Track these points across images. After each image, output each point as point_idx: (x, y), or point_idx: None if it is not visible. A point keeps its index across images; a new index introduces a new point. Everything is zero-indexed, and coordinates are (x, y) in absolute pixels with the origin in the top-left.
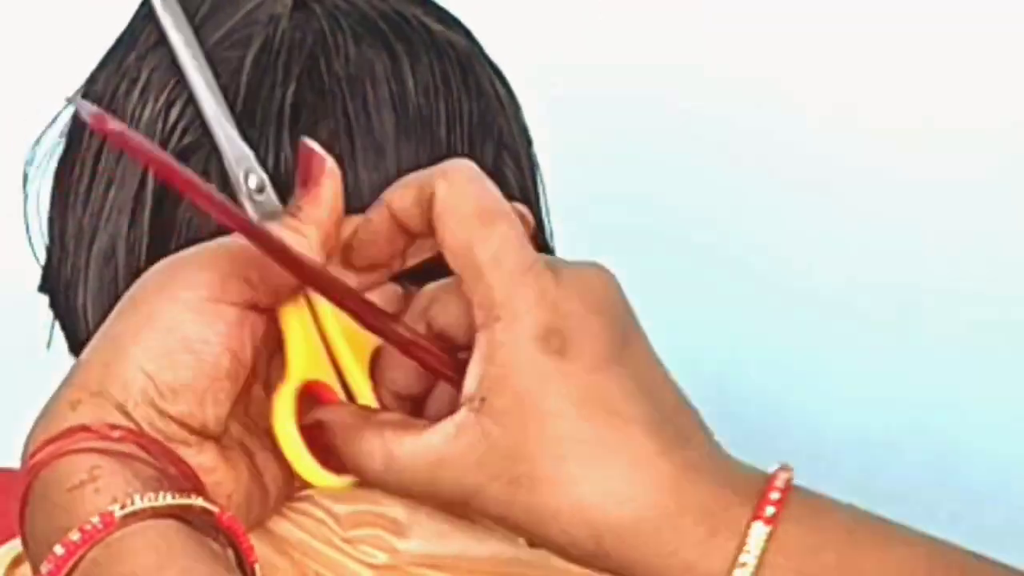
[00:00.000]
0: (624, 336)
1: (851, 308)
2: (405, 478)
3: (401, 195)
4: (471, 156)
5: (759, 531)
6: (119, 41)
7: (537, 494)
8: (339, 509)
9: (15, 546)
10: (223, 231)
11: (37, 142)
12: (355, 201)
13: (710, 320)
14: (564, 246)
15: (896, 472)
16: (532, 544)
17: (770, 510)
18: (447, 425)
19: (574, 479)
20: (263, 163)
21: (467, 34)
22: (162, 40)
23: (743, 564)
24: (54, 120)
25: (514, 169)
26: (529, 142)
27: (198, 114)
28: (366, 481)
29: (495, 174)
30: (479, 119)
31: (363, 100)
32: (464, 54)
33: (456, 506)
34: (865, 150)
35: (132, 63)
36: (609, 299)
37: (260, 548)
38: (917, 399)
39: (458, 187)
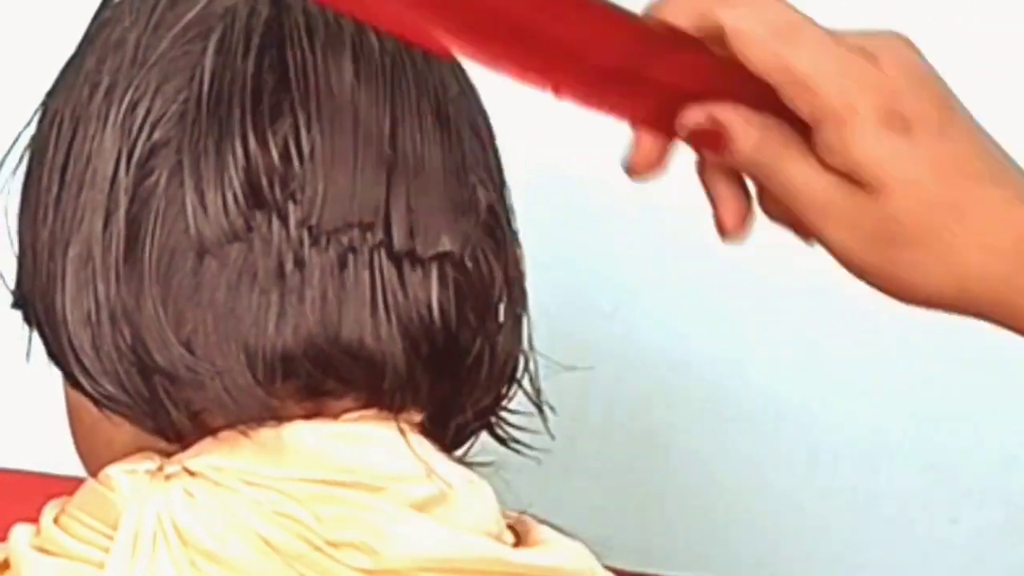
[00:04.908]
0: (948, 98)
1: (852, 306)
2: (779, 184)
3: (675, 18)
4: (440, 109)
5: None
6: (77, 50)
7: (904, 250)
8: (324, 511)
9: (1, 550)
10: None
11: (1, 164)
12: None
13: (710, 319)
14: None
15: (896, 472)
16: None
17: None
18: (830, 188)
19: (938, 237)
20: (231, 157)
21: None
22: (122, 41)
23: None
24: (16, 141)
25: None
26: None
27: (164, 110)
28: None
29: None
30: (453, 92)
31: (323, 57)
32: None
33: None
34: None
35: (93, 67)
36: (924, 65)
37: (246, 551)
38: (917, 398)
39: (746, 12)
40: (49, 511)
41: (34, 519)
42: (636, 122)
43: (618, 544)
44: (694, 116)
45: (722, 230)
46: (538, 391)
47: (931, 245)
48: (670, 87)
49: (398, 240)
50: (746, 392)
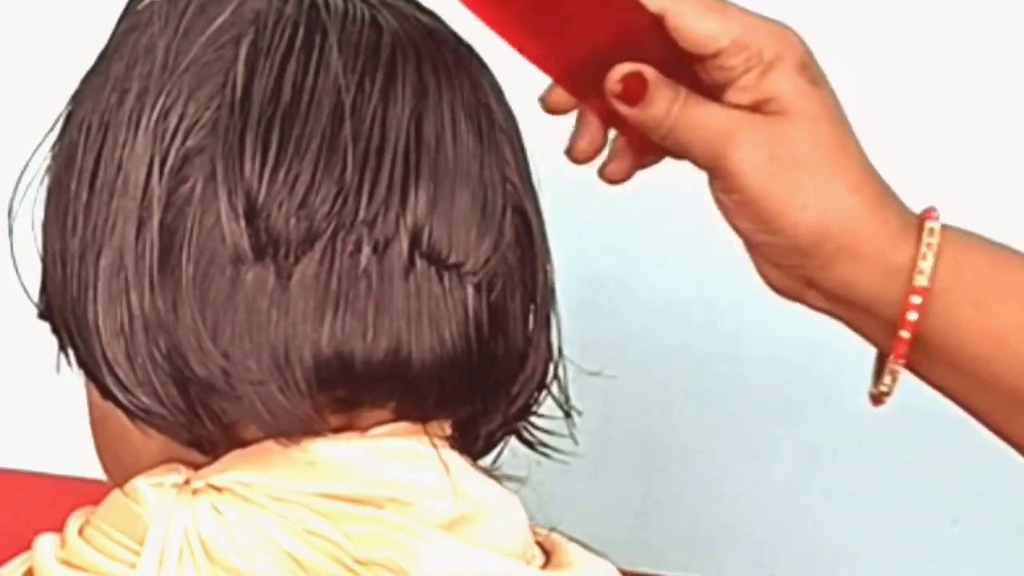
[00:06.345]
0: None
1: None
2: (686, 124)
3: None
4: (475, 115)
5: (934, 224)
6: (102, 56)
7: (791, 173)
8: (353, 530)
9: (25, 560)
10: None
11: (21, 177)
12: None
13: (711, 320)
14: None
15: (896, 472)
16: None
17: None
18: (733, 119)
19: (821, 168)
20: (273, 166)
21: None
22: (152, 46)
23: (924, 255)
24: (36, 149)
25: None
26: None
27: (197, 116)
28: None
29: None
30: (484, 96)
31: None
32: (453, 44)
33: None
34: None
35: (121, 73)
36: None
37: (274, 569)
38: (917, 398)
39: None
40: (74, 522)
41: (49, 523)
42: (561, 75)
43: (618, 544)
44: (624, 70)
45: (572, 153)
46: (567, 396)
47: (815, 173)
48: (600, 44)
49: (435, 250)
50: (746, 393)
